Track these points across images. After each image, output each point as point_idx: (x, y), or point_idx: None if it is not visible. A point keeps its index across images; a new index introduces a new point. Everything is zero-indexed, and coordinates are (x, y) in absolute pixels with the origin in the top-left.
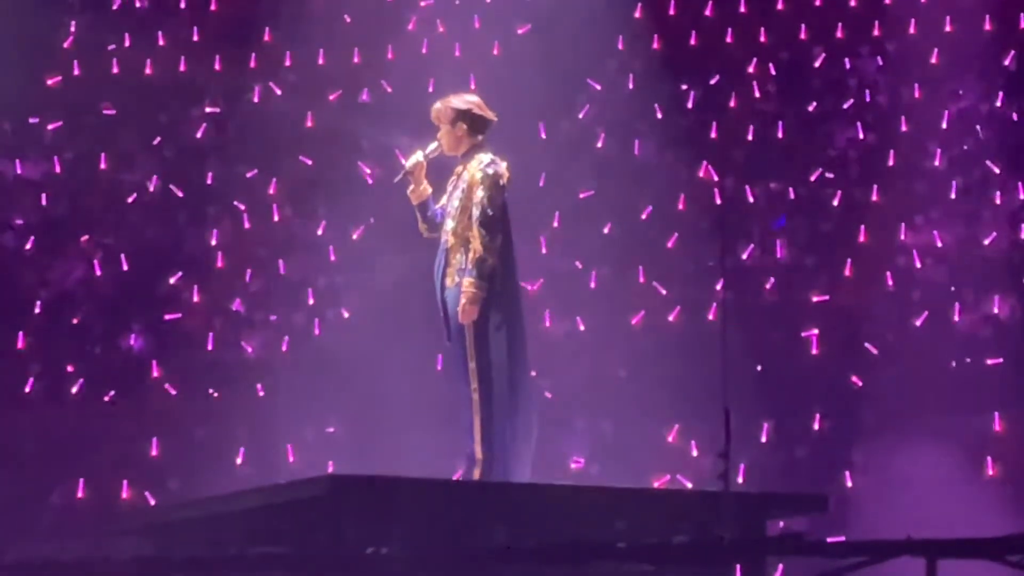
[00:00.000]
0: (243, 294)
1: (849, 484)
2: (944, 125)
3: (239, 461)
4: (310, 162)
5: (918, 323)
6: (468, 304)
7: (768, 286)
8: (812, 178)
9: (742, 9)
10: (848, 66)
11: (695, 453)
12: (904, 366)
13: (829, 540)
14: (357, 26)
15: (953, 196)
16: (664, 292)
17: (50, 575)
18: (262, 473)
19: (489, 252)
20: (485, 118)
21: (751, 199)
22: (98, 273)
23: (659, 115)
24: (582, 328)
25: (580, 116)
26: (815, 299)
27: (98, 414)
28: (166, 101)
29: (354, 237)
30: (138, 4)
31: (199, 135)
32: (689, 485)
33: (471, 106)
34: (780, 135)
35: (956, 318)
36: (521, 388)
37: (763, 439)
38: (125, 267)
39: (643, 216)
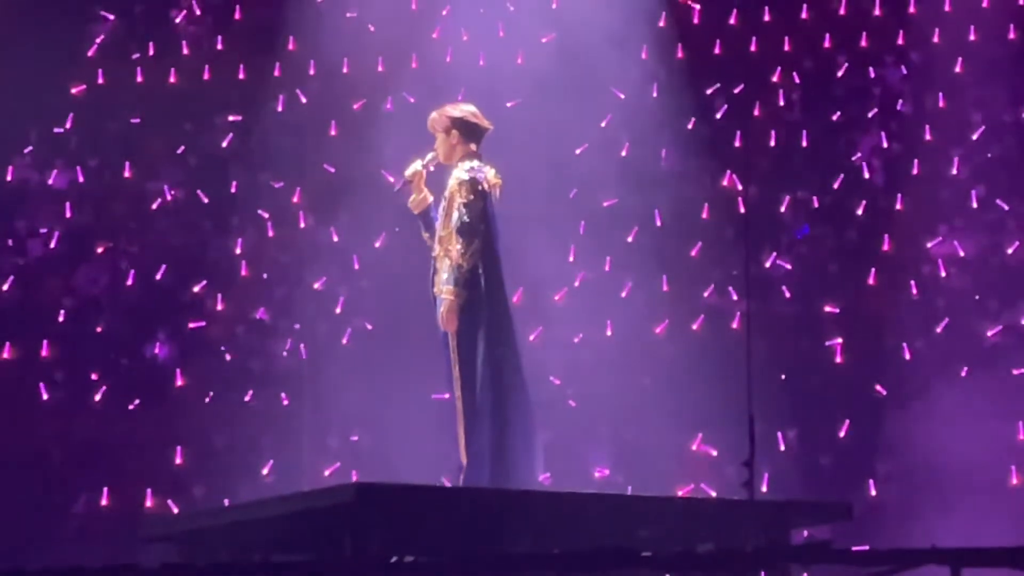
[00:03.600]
0: (267, 302)
1: (873, 492)
2: (968, 134)
3: (264, 469)
4: (333, 170)
5: (942, 332)
6: (445, 312)
7: (792, 295)
8: (836, 187)
9: (766, 18)
10: (872, 75)
11: (719, 461)
12: (928, 375)
13: (854, 549)
14: (381, 35)
15: (977, 205)
16: (688, 301)
17: None
18: (286, 481)
19: (464, 259)
20: (479, 126)
21: (775, 208)
22: (122, 281)
23: (683, 124)
24: (607, 336)
25: (603, 125)
26: (839, 308)
27: (122, 422)
28: (190, 110)
29: (377, 245)
30: (163, 13)
31: (223, 144)
32: (713, 493)
33: (465, 114)
34: (804, 144)
35: (980, 327)
36: (511, 395)
37: (787, 448)
38: (149, 275)
39: (667, 225)
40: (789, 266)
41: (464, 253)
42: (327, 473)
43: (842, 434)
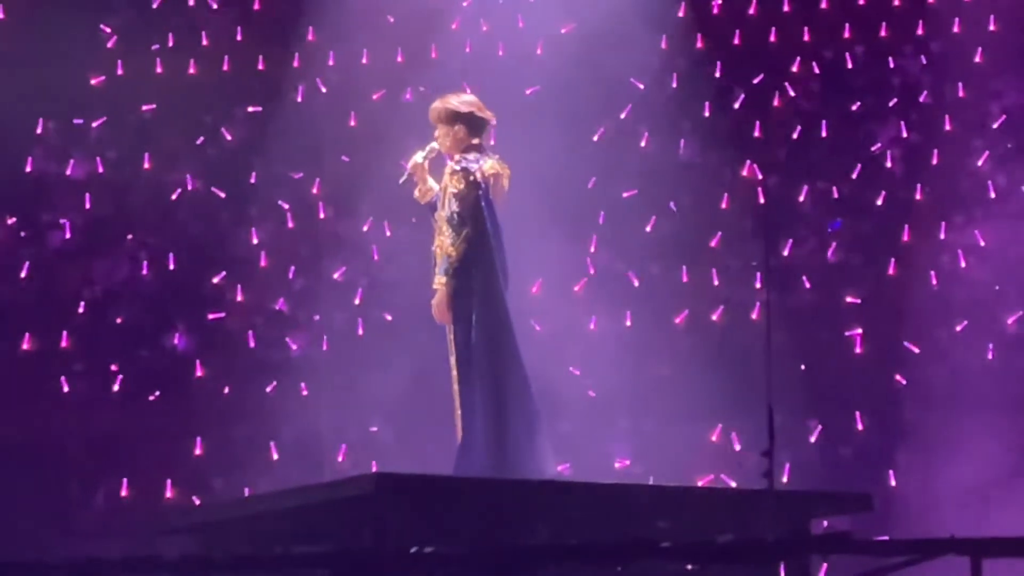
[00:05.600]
0: (287, 293)
1: (893, 483)
2: (988, 124)
3: (283, 461)
4: (347, 159)
5: (962, 322)
6: (435, 303)
7: (812, 285)
8: (855, 177)
9: (786, 8)
10: (892, 65)
11: (739, 451)
12: (948, 365)
13: (874, 539)
14: (400, 25)
15: (997, 195)
16: (708, 291)
17: (95, 574)
18: (306, 472)
19: (454, 249)
20: (483, 119)
21: (795, 198)
22: (142, 272)
23: (702, 114)
24: (626, 327)
25: (623, 116)
26: (859, 298)
27: (142, 413)
28: (209, 101)
29: (397, 236)
30: (182, 3)
31: (243, 135)
32: (733, 484)
33: (471, 108)
34: (824, 134)
35: (1000, 317)
36: (510, 385)
37: (807, 438)
38: (169, 266)
39: (686, 215)
40: (809, 256)
41: (454, 243)
42: (346, 464)
43: (862, 425)
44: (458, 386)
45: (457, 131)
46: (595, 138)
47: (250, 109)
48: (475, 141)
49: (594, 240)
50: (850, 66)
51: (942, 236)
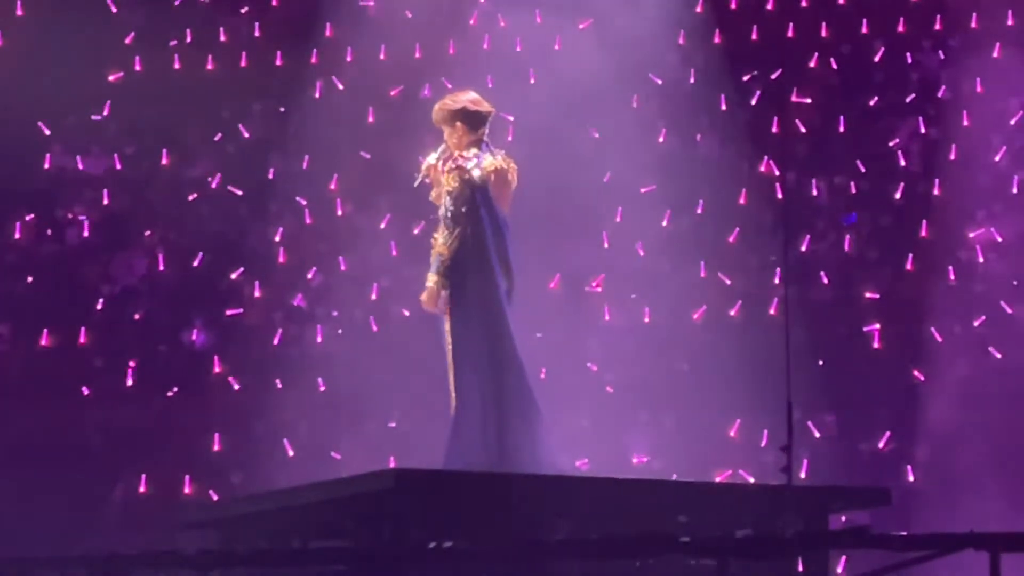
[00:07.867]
0: (304, 289)
1: (911, 478)
2: (1006, 119)
3: (301, 456)
4: (368, 156)
5: (980, 317)
6: (424, 298)
7: (830, 281)
8: (874, 172)
9: (803, 3)
10: (910, 60)
11: (757, 446)
12: (966, 360)
13: (892, 534)
14: (418, 21)
15: (1015, 190)
16: (726, 286)
17: (114, 569)
18: (323, 468)
19: (444, 248)
20: (480, 112)
21: (813, 193)
22: (160, 268)
23: (721, 109)
24: (645, 322)
25: (641, 111)
26: (877, 293)
27: (160, 409)
28: (227, 97)
29: (415, 232)
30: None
31: (261, 131)
32: (752, 479)
33: (465, 104)
34: (841, 129)
35: (1017, 312)
36: (506, 383)
37: (825, 433)
38: (186, 262)
39: (704, 210)
40: (827, 252)
41: (446, 242)
42: (364, 459)
43: (880, 420)
44: (455, 381)
45: (458, 129)
46: (612, 133)
47: (273, 108)
48: (479, 134)
49: (612, 235)
50: (868, 61)
51: (960, 231)
